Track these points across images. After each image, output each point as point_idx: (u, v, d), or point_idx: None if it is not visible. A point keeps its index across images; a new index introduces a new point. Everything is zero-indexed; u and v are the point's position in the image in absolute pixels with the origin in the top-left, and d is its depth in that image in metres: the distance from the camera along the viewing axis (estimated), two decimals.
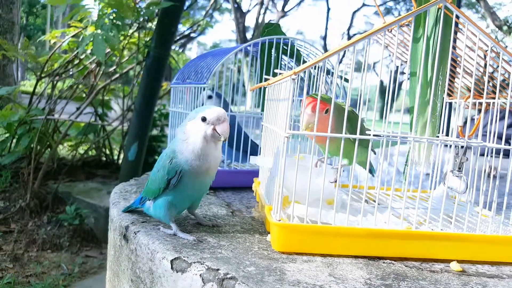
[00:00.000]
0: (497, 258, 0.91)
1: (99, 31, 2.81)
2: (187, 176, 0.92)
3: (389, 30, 1.12)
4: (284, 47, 1.46)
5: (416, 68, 0.93)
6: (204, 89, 1.35)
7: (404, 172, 1.13)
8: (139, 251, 0.89)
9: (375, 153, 1.15)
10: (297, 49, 1.45)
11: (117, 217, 1.03)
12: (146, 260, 0.86)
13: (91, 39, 2.77)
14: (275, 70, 0.97)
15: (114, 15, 2.85)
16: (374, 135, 0.86)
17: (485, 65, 0.93)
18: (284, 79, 0.92)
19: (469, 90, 1.19)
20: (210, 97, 1.53)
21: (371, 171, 1.22)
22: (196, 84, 1.38)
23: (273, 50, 1.41)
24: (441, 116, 0.97)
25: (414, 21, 0.86)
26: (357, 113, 1.01)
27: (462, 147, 0.90)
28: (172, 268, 0.80)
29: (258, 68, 1.46)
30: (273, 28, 1.43)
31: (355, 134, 0.87)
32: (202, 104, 1.48)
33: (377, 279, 0.78)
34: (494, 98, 1.11)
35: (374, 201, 1.18)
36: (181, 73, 1.58)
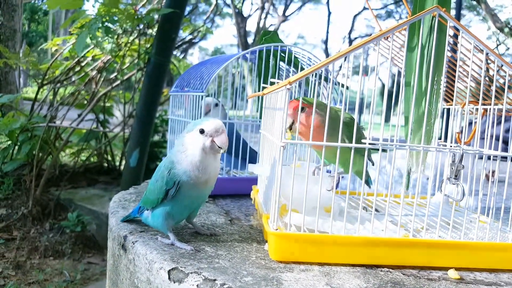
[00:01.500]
0: (495, 265, 0.91)
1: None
2: (186, 187, 0.92)
3: (386, 38, 1.12)
4: (282, 54, 1.46)
5: (411, 77, 0.93)
6: (202, 97, 1.35)
7: (407, 180, 1.13)
8: (137, 261, 0.89)
9: (373, 164, 1.15)
10: (294, 56, 1.46)
11: (116, 227, 1.03)
12: (144, 270, 0.86)
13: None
14: (271, 80, 0.97)
15: (107, 18, 2.86)
16: (370, 143, 0.86)
17: (486, 69, 0.93)
18: (279, 89, 0.92)
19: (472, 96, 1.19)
20: (216, 105, 1.54)
21: (368, 182, 1.22)
22: (195, 92, 1.38)
23: (271, 58, 1.41)
24: (435, 123, 0.97)
25: (409, 29, 0.86)
26: (354, 118, 1.02)
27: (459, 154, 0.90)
28: (169, 278, 0.80)
29: (255, 75, 1.47)
30: (271, 36, 1.44)
31: (352, 138, 0.87)
32: (208, 113, 1.49)
33: (374, 287, 0.78)
34: (490, 104, 1.12)
35: (372, 207, 1.18)
36: (181, 80, 1.58)
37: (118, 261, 0.99)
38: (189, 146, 0.92)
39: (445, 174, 0.91)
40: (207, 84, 1.33)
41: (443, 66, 0.89)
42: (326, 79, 1.49)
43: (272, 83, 0.96)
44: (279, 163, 0.86)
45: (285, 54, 1.46)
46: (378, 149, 0.91)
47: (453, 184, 0.89)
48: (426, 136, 0.92)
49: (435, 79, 0.91)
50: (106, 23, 2.91)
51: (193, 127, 0.92)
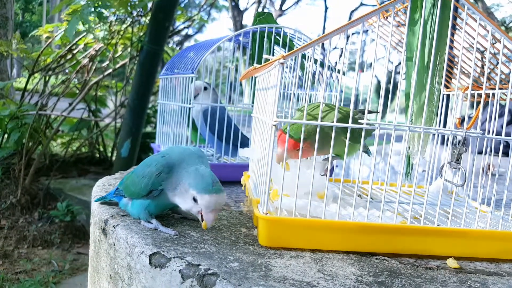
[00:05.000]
0: (496, 255, 0.86)
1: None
2: (168, 195, 0.87)
3: (385, 17, 1.07)
4: (277, 37, 1.41)
5: (413, 53, 0.88)
6: (192, 79, 1.29)
7: (407, 166, 1.07)
8: (117, 245, 0.84)
9: (369, 155, 1.09)
10: (289, 39, 1.40)
11: (97, 211, 0.98)
12: (124, 255, 0.81)
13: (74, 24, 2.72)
14: (265, 56, 0.92)
15: (99, 3, 2.79)
16: (367, 124, 0.81)
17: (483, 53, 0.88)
18: (273, 65, 0.87)
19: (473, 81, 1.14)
20: (205, 88, 1.48)
21: (367, 152, 1.15)
22: (185, 74, 1.33)
23: (265, 40, 1.36)
24: (438, 107, 0.92)
25: (411, 3, 0.81)
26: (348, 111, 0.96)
27: (459, 140, 0.85)
28: (150, 263, 0.75)
29: (248, 59, 1.41)
30: (265, 17, 1.38)
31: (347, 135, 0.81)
32: (197, 97, 1.43)
33: (369, 276, 0.73)
34: (494, 89, 1.07)
35: (368, 195, 1.13)
36: (170, 64, 1.53)
37: (98, 246, 0.93)
38: (181, 197, 0.84)
39: (446, 159, 0.86)
40: (198, 65, 1.27)
41: (446, 43, 0.84)
42: (322, 65, 1.44)
43: (266, 60, 0.90)
44: (271, 143, 0.81)
45: (280, 37, 1.41)
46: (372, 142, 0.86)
47: (454, 168, 0.84)
48: (427, 117, 0.87)
49: (438, 57, 0.85)
50: (98, 9, 2.83)
51: (193, 189, 0.81)
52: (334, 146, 0.82)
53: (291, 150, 0.88)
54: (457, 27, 0.96)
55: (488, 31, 0.84)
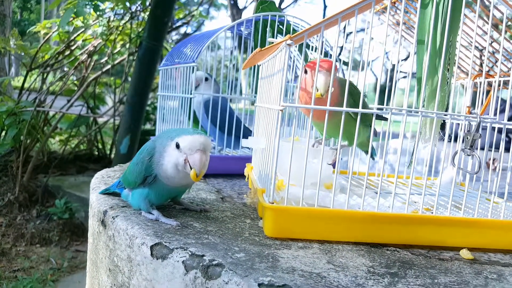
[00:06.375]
0: (511, 246, 0.83)
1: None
2: (161, 181, 0.85)
3: (393, 3, 1.04)
4: (280, 26, 1.37)
5: (424, 37, 0.84)
6: (193, 69, 1.26)
7: (412, 156, 1.04)
8: (117, 237, 0.80)
9: (376, 135, 1.06)
10: (293, 28, 1.37)
11: (96, 202, 0.94)
12: (124, 247, 0.78)
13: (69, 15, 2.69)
14: (269, 39, 0.88)
15: None
16: (377, 109, 0.78)
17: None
18: (278, 49, 0.83)
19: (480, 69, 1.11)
20: (206, 79, 1.45)
21: (372, 154, 1.13)
22: (186, 64, 1.29)
23: (267, 29, 1.32)
24: (450, 93, 0.88)
25: None
26: (358, 88, 0.93)
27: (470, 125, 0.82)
28: (152, 254, 0.71)
29: (252, 48, 1.38)
30: (268, 5, 1.34)
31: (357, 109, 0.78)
32: (198, 87, 1.40)
33: (381, 267, 0.70)
34: (505, 75, 1.03)
35: (376, 187, 1.10)
36: (170, 55, 1.49)
37: (97, 238, 0.90)
38: (166, 156, 0.82)
39: (458, 146, 0.83)
40: (199, 54, 1.24)
41: (458, 27, 0.81)
42: (326, 55, 1.41)
43: (271, 43, 0.86)
44: (277, 129, 0.78)
45: (283, 26, 1.37)
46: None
47: (468, 155, 0.81)
48: (440, 102, 0.83)
49: (450, 40, 0.82)
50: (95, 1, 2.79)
51: (174, 137, 0.82)
52: (344, 125, 0.78)
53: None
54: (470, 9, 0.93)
55: (503, 14, 0.81)
